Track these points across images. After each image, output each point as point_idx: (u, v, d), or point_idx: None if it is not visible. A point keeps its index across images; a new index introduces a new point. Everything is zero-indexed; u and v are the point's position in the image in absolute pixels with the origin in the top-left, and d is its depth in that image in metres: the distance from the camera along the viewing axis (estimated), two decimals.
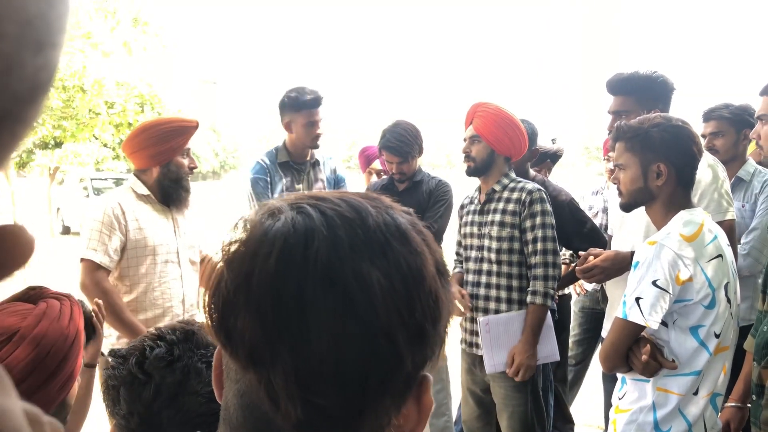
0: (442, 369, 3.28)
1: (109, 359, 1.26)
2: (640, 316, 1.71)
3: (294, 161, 3.25)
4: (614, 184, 1.98)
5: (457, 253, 2.87)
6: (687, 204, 1.88)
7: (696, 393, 1.77)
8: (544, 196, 2.59)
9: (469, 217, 2.77)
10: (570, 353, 3.82)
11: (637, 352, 1.77)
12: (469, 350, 2.73)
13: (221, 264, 0.53)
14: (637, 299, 1.73)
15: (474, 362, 2.73)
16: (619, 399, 1.91)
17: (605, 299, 2.99)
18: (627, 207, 1.97)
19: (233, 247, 0.52)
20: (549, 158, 3.71)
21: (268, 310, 0.49)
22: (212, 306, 0.52)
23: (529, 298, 2.55)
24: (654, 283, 1.70)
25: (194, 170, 2.70)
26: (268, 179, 3.18)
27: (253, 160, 3.32)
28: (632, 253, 1.90)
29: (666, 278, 1.70)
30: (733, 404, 2.00)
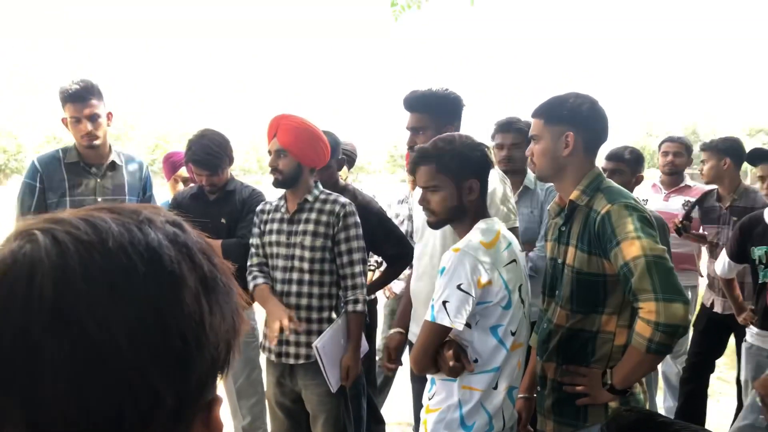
0: (256, 381, 3.23)
1: None
2: (447, 318, 1.84)
3: (85, 162, 2.93)
4: (422, 205, 2.06)
5: (258, 264, 2.77)
6: (485, 213, 2.06)
7: (495, 387, 1.94)
8: (354, 209, 2.70)
9: (275, 225, 2.74)
10: (380, 355, 3.97)
11: (444, 355, 1.89)
12: (278, 360, 2.70)
13: None
14: (444, 303, 1.85)
15: (283, 373, 2.71)
16: (429, 399, 2.03)
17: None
18: (438, 225, 2.08)
19: None
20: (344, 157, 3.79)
21: None
22: None
23: (350, 308, 2.65)
24: (458, 287, 1.84)
25: None
26: (40, 185, 2.85)
27: (31, 161, 3.00)
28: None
29: (469, 282, 1.84)
30: (522, 395, 2.22)
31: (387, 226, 3.10)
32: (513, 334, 1.95)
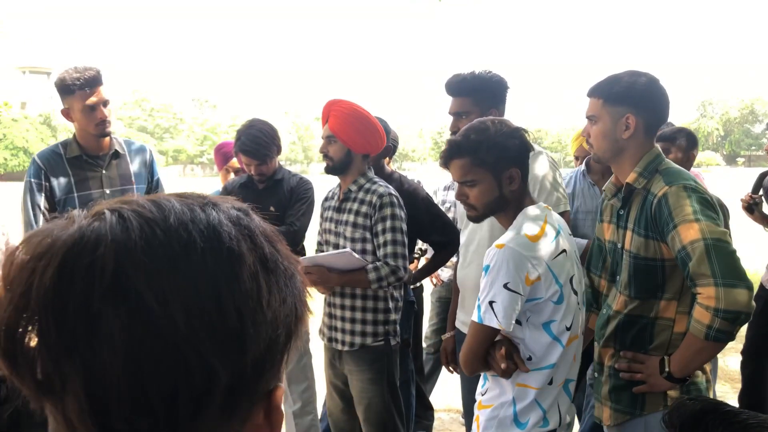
0: (307, 366, 3.28)
1: None
2: (494, 319, 1.75)
3: (88, 155, 2.84)
4: (461, 200, 1.97)
5: (318, 243, 2.88)
6: (529, 200, 1.95)
7: (551, 383, 1.85)
8: (394, 200, 2.61)
9: (329, 213, 2.78)
10: (427, 342, 3.98)
11: (495, 355, 1.81)
12: (329, 344, 2.74)
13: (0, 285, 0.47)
14: (491, 303, 1.75)
15: (334, 356, 2.75)
16: (482, 395, 1.97)
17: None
18: (479, 219, 1.99)
19: (14, 265, 0.46)
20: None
21: (50, 330, 0.43)
22: None
23: (369, 266, 2.55)
24: (505, 286, 1.74)
25: None
26: (46, 182, 2.77)
27: (31, 158, 2.87)
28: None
29: (516, 280, 1.74)
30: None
31: (434, 212, 3.09)
32: (568, 329, 1.86)
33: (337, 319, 2.68)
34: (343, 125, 2.60)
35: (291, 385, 3.26)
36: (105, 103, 2.79)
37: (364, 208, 2.62)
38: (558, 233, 1.88)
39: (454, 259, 3.28)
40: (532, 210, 1.90)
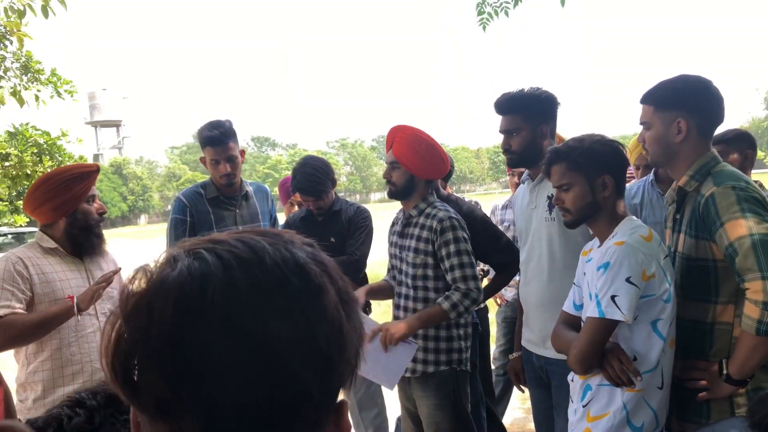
0: (376, 393, 3.31)
1: None
2: (618, 312, 1.80)
3: (223, 196, 3.14)
4: (557, 205, 2.07)
5: (388, 269, 2.92)
6: (624, 212, 2.02)
7: (661, 387, 1.88)
8: (455, 223, 2.60)
9: (394, 239, 2.82)
10: (496, 364, 3.94)
11: (612, 360, 1.85)
12: None
13: (120, 319, 0.53)
14: (613, 297, 1.81)
15: (404, 381, 2.77)
16: (584, 406, 1.98)
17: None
18: (574, 224, 2.06)
19: (131, 301, 0.52)
20: None
21: (168, 362, 0.49)
22: (114, 362, 0.52)
23: (440, 299, 2.57)
24: (627, 279, 1.81)
25: (104, 215, 2.62)
26: (190, 219, 3.07)
27: (175, 197, 3.22)
28: None
29: (637, 274, 1.81)
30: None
31: (492, 232, 3.08)
32: (670, 326, 1.90)
33: None
34: (405, 151, 2.64)
35: (362, 412, 3.29)
36: (229, 159, 3.05)
37: (424, 234, 2.63)
38: (660, 239, 1.96)
39: (517, 278, 3.26)
40: (634, 219, 2.00)
